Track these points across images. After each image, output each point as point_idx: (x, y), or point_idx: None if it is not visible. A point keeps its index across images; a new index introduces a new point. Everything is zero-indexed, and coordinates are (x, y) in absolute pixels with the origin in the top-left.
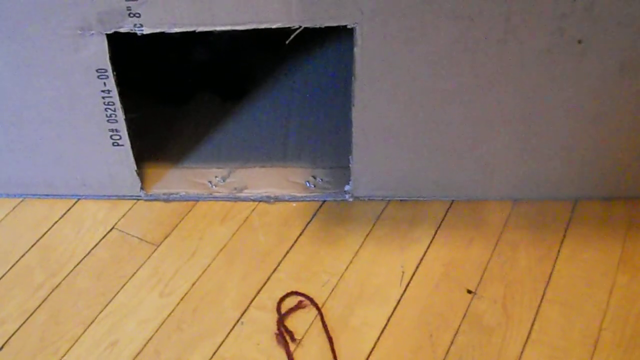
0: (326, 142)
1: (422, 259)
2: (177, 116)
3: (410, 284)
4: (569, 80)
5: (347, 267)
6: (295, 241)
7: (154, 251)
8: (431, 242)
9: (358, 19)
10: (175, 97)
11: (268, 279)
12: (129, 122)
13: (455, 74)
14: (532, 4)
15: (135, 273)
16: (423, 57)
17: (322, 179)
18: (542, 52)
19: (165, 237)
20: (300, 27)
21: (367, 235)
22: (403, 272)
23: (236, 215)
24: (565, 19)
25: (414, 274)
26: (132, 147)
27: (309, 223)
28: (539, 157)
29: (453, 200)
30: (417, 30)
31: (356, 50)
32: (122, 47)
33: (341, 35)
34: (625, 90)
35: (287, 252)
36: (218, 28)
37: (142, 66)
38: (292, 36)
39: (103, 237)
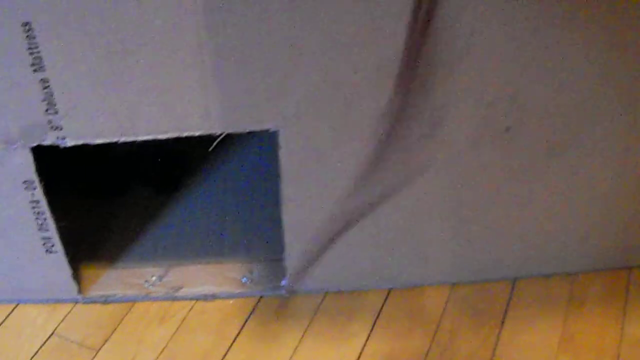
0: (262, 235)
1: (361, 353)
2: (112, 213)
3: None
4: (498, 167)
5: None
6: (234, 340)
7: (94, 357)
8: (369, 334)
9: (280, 123)
10: (109, 190)
11: None
12: (61, 228)
13: (382, 169)
14: (456, 97)
15: None
16: (349, 156)
17: (258, 274)
18: (469, 142)
19: (105, 342)
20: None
21: (305, 331)
22: None
23: (174, 315)
24: (490, 109)
25: None
26: (67, 252)
27: (247, 320)
28: (473, 241)
29: (390, 289)
30: (341, 130)
31: (280, 152)
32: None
33: None
34: (553, 172)
35: (227, 352)
36: (140, 138)
37: (73, 160)
38: (214, 143)
39: (43, 344)
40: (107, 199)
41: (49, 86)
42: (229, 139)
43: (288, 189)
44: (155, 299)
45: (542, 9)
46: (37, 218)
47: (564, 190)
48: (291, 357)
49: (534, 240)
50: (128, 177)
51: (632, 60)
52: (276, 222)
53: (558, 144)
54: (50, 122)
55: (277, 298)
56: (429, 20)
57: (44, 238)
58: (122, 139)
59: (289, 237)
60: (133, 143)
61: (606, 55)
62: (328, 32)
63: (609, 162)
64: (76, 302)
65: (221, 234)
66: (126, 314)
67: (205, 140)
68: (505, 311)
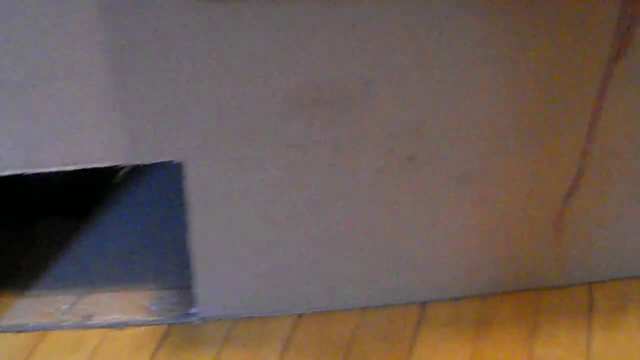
0: (172, 262)
1: None
2: (23, 241)
3: None
4: (404, 195)
5: None
6: None
7: None
8: None
9: (184, 154)
10: (19, 218)
11: None
12: None
13: (289, 198)
14: (359, 128)
15: None
16: (254, 185)
17: (168, 301)
18: (374, 171)
19: None
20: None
21: (215, 358)
22: None
23: (86, 343)
24: (394, 139)
25: None
26: None
27: (158, 348)
28: (381, 266)
29: (300, 314)
30: (246, 160)
31: (186, 183)
32: None
33: None
34: (460, 199)
35: None
36: (46, 170)
37: None
38: (119, 174)
39: None
40: (17, 227)
41: None
42: (138, 167)
43: (195, 219)
44: (67, 328)
45: (444, 41)
46: None
47: (471, 216)
48: None
49: (442, 264)
50: (38, 204)
51: (538, 90)
52: (186, 250)
53: (466, 172)
54: None
55: (188, 325)
56: None
57: None
58: (28, 171)
59: (197, 265)
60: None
61: (511, 87)
62: (231, 64)
63: (516, 189)
64: None
65: (131, 262)
66: (38, 343)
67: (115, 168)
68: (415, 334)
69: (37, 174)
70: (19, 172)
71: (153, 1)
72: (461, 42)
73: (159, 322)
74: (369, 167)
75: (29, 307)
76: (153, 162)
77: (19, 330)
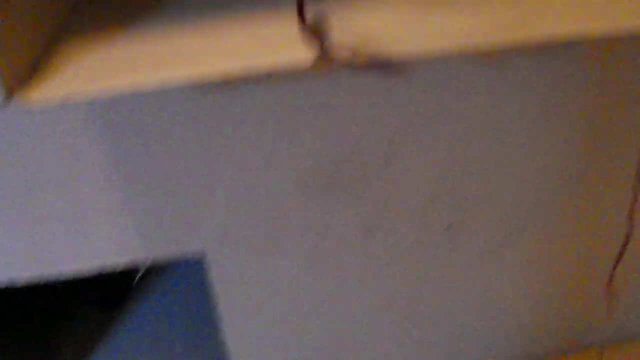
0: (214, 349)
1: None
2: (56, 338)
3: None
4: (445, 266)
5: None
6: None
7: None
8: None
9: (205, 246)
10: (52, 313)
11: None
12: None
13: (321, 281)
14: (386, 203)
15: None
16: (282, 271)
17: None
18: (409, 246)
19: None
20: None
21: None
22: None
23: None
24: (427, 210)
25: None
26: None
27: None
28: (430, 340)
29: None
30: (270, 246)
31: (211, 276)
32: None
33: None
34: (506, 264)
35: None
36: (64, 275)
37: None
38: (138, 275)
39: None
40: (51, 323)
41: None
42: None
43: (223, 310)
44: None
45: (472, 99)
46: None
47: (518, 279)
48: None
49: (494, 330)
50: (70, 297)
51: (579, 152)
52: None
53: (509, 235)
54: None
55: None
56: None
57: None
58: (43, 279)
59: (234, 356)
60: None
61: (552, 146)
62: (241, 150)
63: (561, 250)
64: None
65: (171, 352)
66: None
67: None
68: None
69: None
70: (35, 279)
71: (151, 97)
72: (492, 101)
73: None
74: (403, 243)
75: None
76: (172, 257)
77: None
